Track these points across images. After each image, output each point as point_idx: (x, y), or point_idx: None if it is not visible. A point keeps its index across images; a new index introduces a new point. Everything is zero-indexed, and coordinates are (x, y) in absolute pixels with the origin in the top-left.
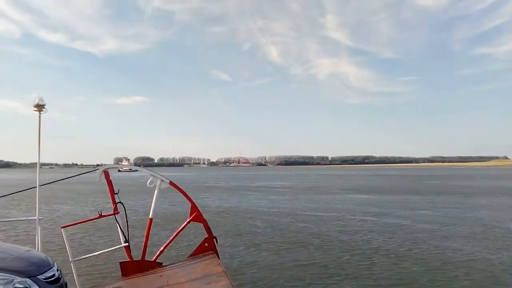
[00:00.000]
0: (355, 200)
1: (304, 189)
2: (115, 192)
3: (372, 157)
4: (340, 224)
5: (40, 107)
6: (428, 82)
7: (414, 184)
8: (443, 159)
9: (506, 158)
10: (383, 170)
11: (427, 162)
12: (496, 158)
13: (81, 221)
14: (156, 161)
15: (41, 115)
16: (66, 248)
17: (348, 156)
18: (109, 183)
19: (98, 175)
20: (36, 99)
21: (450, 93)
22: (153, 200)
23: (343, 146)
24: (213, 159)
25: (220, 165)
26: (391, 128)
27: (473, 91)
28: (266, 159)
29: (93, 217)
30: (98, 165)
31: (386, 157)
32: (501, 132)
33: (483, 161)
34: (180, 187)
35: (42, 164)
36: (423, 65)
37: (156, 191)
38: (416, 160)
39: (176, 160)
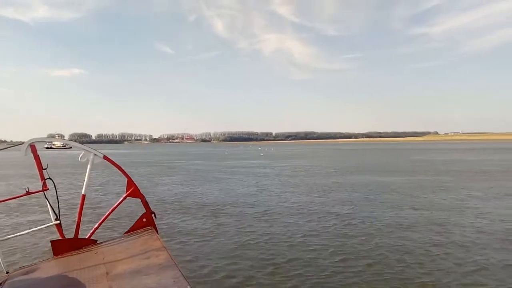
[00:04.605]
0: (365, 183)
1: (291, 169)
2: (44, 168)
3: (314, 132)
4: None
5: None
6: (368, 60)
7: (397, 160)
8: (379, 134)
9: (436, 133)
10: (331, 145)
11: (365, 137)
12: (428, 133)
13: (5, 199)
14: (93, 137)
15: None
16: None
17: (291, 132)
18: (36, 158)
19: (23, 149)
20: None
21: (388, 70)
22: (86, 175)
23: (287, 122)
24: (155, 135)
25: (163, 141)
26: (332, 105)
27: (409, 69)
28: (211, 135)
29: (19, 195)
30: None
31: (327, 133)
32: (433, 109)
33: (417, 136)
34: (118, 163)
35: None
36: (364, 43)
37: (88, 166)
38: (355, 136)
39: (116, 137)
